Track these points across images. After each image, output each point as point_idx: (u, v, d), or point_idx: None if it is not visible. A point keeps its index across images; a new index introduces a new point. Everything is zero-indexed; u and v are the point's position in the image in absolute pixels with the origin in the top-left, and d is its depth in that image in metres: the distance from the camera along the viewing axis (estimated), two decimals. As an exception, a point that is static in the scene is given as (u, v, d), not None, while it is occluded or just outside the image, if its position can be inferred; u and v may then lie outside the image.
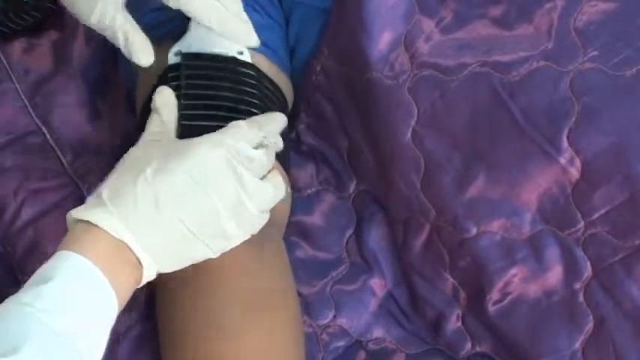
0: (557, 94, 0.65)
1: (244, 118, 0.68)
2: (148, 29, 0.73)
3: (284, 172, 0.72)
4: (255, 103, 0.69)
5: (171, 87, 0.67)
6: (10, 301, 0.50)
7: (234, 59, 0.70)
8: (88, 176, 0.80)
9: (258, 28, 0.74)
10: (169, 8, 0.63)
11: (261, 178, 0.60)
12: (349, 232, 0.78)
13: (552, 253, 0.69)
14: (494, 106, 0.68)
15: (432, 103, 0.69)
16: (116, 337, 0.72)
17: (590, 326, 0.68)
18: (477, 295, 0.72)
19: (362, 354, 0.76)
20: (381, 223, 0.77)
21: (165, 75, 0.69)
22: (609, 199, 0.65)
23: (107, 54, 0.85)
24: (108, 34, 0.63)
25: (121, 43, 0.63)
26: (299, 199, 0.78)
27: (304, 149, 0.80)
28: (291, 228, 0.77)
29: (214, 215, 0.57)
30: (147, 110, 0.71)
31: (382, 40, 0.69)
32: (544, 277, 0.69)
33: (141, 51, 0.63)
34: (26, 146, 0.81)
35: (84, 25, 0.83)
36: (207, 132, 0.66)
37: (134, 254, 0.55)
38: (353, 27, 0.70)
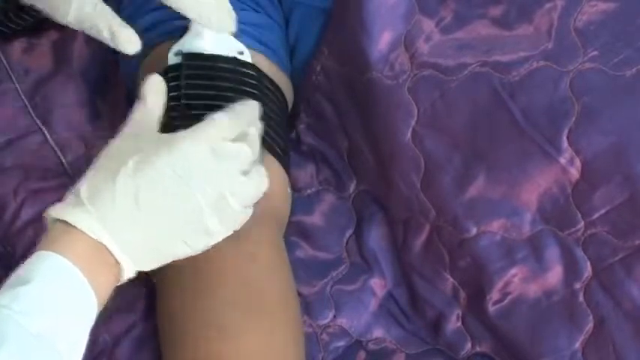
0: (557, 94, 0.65)
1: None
2: (149, 29, 0.74)
3: (283, 172, 0.72)
4: (255, 103, 0.69)
5: (171, 87, 0.67)
6: None
7: (234, 59, 0.70)
8: (88, 176, 0.80)
9: (258, 28, 0.74)
10: (168, 7, 0.63)
11: (246, 172, 0.60)
12: (349, 232, 0.78)
13: (552, 253, 0.69)
14: (494, 106, 0.68)
15: (432, 103, 0.69)
16: (116, 338, 0.72)
17: (590, 326, 0.68)
18: (476, 295, 0.72)
19: (362, 354, 0.76)
20: (381, 223, 0.77)
21: (166, 75, 0.69)
22: (609, 199, 0.65)
23: (107, 54, 0.85)
24: (88, 29, 0.62)
25: (105, 35, 0.62)
26: (299, 199, 0.78)
27: (304, 149, 0.80)
28: (291, 228, 0.77)
29: (196, 212, 0.57)
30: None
31: (382, 40, 0.69)
32: (544, 277, 0.69)
33: (127, 41, 0.63)
34: (26, 146, 0.81)
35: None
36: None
37: (113, 255, 0.55)
38: (353, 27, 0.70)
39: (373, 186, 0.77)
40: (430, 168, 0.70)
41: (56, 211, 0.55)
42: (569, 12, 0.65)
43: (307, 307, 0.76)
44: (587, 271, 0.68)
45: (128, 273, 0.57)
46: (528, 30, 0.66)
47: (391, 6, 0.69)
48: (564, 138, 0.66)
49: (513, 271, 0.70)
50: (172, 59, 0.69)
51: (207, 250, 0.64)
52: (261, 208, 0.69)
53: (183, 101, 0.67)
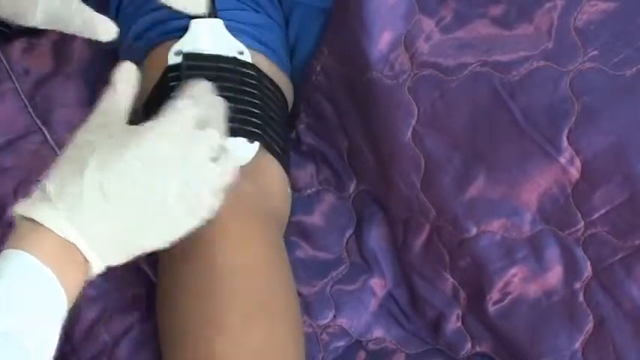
0: (557, 94, 0.65)
1: (245, 119, 0.68)
2: (148, 29, 0.74)
3: (283, 172, 0.72)
4: (255, 103, 0.69)
5: (171, 87, 0.67)
6: None
7: (234, 59, 0.70)
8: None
9: (259, 28, 0.74)
10: (169, 7, 0.63)
11: (215, 158, 0.59)
12: (349, 232, 0.78)
13: (552, 253, 0.69)
14: (495, 106, 0.68)
15: (432, 102, 0.69)
16: (116, 338, 0.72)
17: (590, 326, 0.68)
18: (476, 295, 0.72)
19: (362, 354, 0.76)
20: (381, 223, 0.77)
21: (166, 75, 0.69)
22: (609, 199, 0.65)
23: (107, 54, 0.85)
24: (57, 24, 0.61)
25: (78, 24, 0.61)
26: (299, 199, 0.78)
27: (304, 149, 0.80)
28: (291, 228, 0.77)
29: (166, 203, 0.56)
30: (147, 110, 0.72)
31: (382, 40, 0.69)
32: (544, 277, 0.69)
33: (102, 26, 0.62)
34: (26, 146, 0.81)
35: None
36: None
37: (81, 253, 0.54)
38: (353, 27, 0.70)
39: (373, 186, 0.77)
40: (430, 168, 0.70)
41: (22, 209, 0.54)
42: (569, 11, 0.65)
43: (307, 307, 0.76)
44: (587, 271, 0.68)
45: (96, 269, 0.56)
46: (528, 30, 0.66)
47: (391, 6, 0.69)
48: (564, 138, 0.66)
49: (513, 271, 0.70)
50: (172, 59, 0.69)
51: (207, 250, 0.65)
52: (261, 208, 0.69)
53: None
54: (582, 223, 0.67)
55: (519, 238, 0.69)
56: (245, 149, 0.68)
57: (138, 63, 0.74)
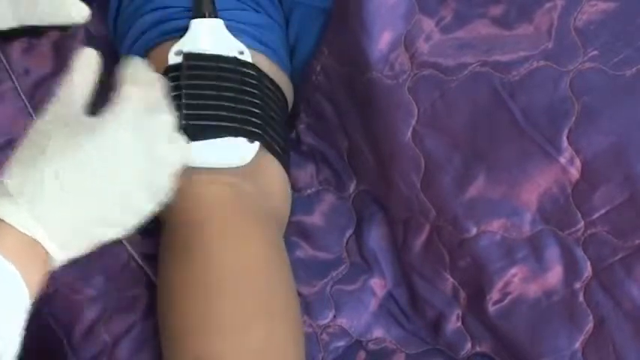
0: (557, 94, 0.66)
1: (245, 118, 0.68)
2: (149, 29, 0.74)
3: (283, 172, 0.72)
4: (255, 102, 0.69)
5: (171, 87, 0.67)
6: None
7: (234, 59, 0.70)
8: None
9: (259, 28, 0.74)
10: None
11: (170, 139, 0.59)
12: (349, 232, 0.78)
13: (552, 253, 0.69)
14: (494, 106, 0.68)
15: (432, 102, 0.69)
16: (116, 338, 0.72)
17: (590, 326, 0.68)
18: (477, 295, 0.72)
19: (362, 354, 0.76)
20: (381, 223, 0.77)
21: (166, 75, 0.69)
22: (609, 199, 0.65)
23: (107, 54, 0.85)
24: (33, 19, 0.61)
25: (54, 14, 0.61)
26: (299, 199, 0.78)
27: (304, 149, 0.80)
28: (291, 228, 0.77)
29: (125, 192, 0.56)
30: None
31: (382, 39, 0.69)
32: (544, 277, 0.69)
33: (74, 8, 0.61)
34: (26, 146, 0.81)
35: (84, 24, 0.84)
36: (208, 132, 0.66)
37: (43, 247, 0.54)
38: (353, 27, 0.70)
39: (373, 186, 0.77)
40: (430, 168, 0.70)
41: None
42: (569, 11, 0.65)
43: (307, 307, 0.76)
44: (587, 271, 0.68)
45: (57, 261, 0.55)
46: (528, 30, 0.66)
47: (391, 6, 0.69)
48: (564, 138, 0.66)
49: (513, 271, 0.70)
50: (173, 59, 0.69)
51: (207, 250, 0.65)
52: (261, 208, 0.69)
53: (184, 101, 0.67)
54: (582, 223, 0.67)
55: (519, 238, 0.69)
56: (245, 149, 0.68)
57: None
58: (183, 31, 0.71)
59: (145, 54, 0.73)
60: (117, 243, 0.74)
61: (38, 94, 0.83)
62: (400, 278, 0.77)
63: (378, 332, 0.76)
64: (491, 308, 0.71)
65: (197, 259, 0.64)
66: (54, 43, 0.85)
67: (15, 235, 0.53)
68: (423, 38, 0.69)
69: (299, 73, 0.79)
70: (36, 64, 0.84)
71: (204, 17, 0.70)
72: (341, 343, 0.76)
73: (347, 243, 0.78)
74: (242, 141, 0.67)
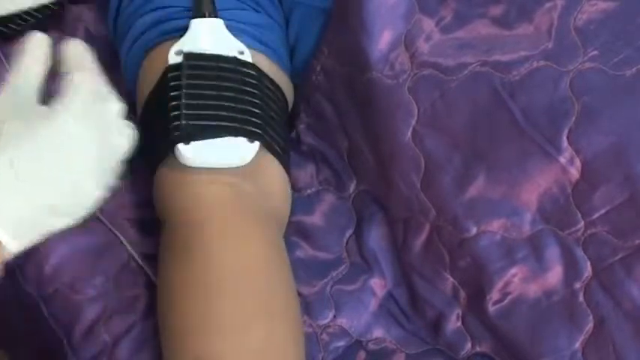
0: (557, 94, 0.66)
1: (245, 118, 0.68)
2: (148, 29, 0.74)
3: (283, 172, 0.72)
4: (255, 102, 0.69)
5: (172, 87, 0.67)
6: None
7: (234, 59, 0.70)
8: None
9: (259, 28, 0.74)
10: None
11: (117, 127, 0.60)
12: (349, 232, 0.78)
13: (552, 252, 0.69)
14: (495, 106, 0.68)
15: (432, 102, 0.69)
16: (116, 338, 0.72)
17: (590, 326, 0.68)
18: (477, 295, 0.72)
19: (362, 354, 0.76)
20: (381, 223, 0.77)
21: (166, 74, 0.69)
22: (609, 199, 0.65)
23: (107, 54, 0.85)
24: (11, 6, 0.61)
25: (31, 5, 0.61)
26: (299, 199, 0.78)
27: (304, 149, 0.80)
28: (291, 228, 0.77)
29: (77, 181, 0.56)
30: (147, 110, 0.72)
31: (382, 39, 0.69)
32: (544, 277, 0.69)
33: None
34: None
35: (84, 25, 0.84)
36: (208, 132, 0.66)
37: None
38: (353, 27, 0.70)
39: (373, 186, 0.77)
40: (430, 168, 0.70)
41: None
42: (569, 11, 0.65)
43: (307, 307, 0.76)
44: (587, 271, 0.68)
45: (10, 251, 0.55)
46: (528, 29, 0.67)
47: (391, 6, 0.69)
48: (564, 138, 0.66)
49: (513, 270, 0.70)
50: (173, 59, 0.69)
51: (207, 250, 0.65)
52: (261, 208, 0.69)
53: (184, 101, 0.67)
54: (582, 223, 0.67)
55: (519, 238, 0.69)
56: (245, 149, 0.68)
57: (138, 63, 0.75)
58: (183, 30, 0.71)
59: (144, 54, 0.74)
60: (117, 243, 0.74)
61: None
62: (400, 278, 0.77)
63: (378, 332, 0.76)
64: (492, 308, 0.71)
65: (197, 259, 0.64)
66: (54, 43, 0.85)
67: None
68: (423, 38, 0.69)
69: (299, 73, 0.79)
70: (36, 64, 0.84)
71: (204, 17, 0.71)
72: (341, 343, 0.76)
73: (347, 243, 0.78)
74: (242, 141, 0.67)
